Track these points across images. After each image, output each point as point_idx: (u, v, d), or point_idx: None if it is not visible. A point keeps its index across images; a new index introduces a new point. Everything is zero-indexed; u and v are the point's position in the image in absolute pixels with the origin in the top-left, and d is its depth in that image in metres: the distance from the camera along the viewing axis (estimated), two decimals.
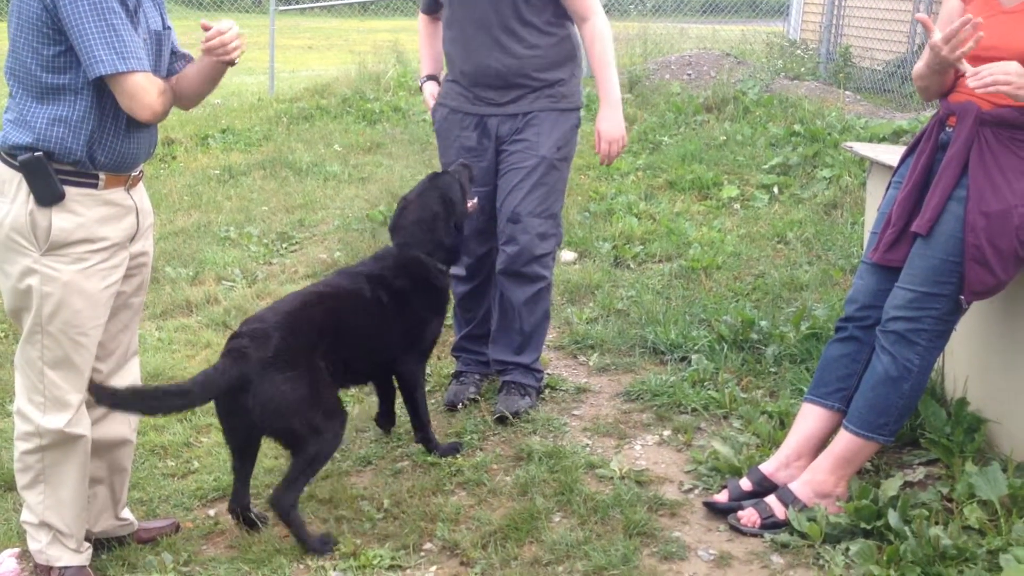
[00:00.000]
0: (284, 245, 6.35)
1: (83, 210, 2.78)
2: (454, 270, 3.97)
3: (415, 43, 4.03)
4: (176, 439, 3.88)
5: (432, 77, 4.21)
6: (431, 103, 4.14)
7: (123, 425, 3.11)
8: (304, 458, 3.12)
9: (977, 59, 2.92)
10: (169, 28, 2.93)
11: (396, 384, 3.74)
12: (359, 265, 3.64)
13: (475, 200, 3.83)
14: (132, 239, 2.93)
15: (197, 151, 9.30)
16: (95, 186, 2.80)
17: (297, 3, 20.56)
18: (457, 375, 4.21)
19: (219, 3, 27.32)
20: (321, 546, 3.11)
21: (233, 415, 3.12)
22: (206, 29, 2.80)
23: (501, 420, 3.90)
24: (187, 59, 3.00)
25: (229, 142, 9.54)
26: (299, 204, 7.21)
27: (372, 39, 14.68)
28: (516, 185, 3.93)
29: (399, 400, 3.79)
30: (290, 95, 11.65)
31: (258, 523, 3.26)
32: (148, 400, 2.97)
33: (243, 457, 3.24)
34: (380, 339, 3.50)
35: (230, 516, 3.28)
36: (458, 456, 3.64)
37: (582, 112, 4.11)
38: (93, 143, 2.76)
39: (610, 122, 3.92)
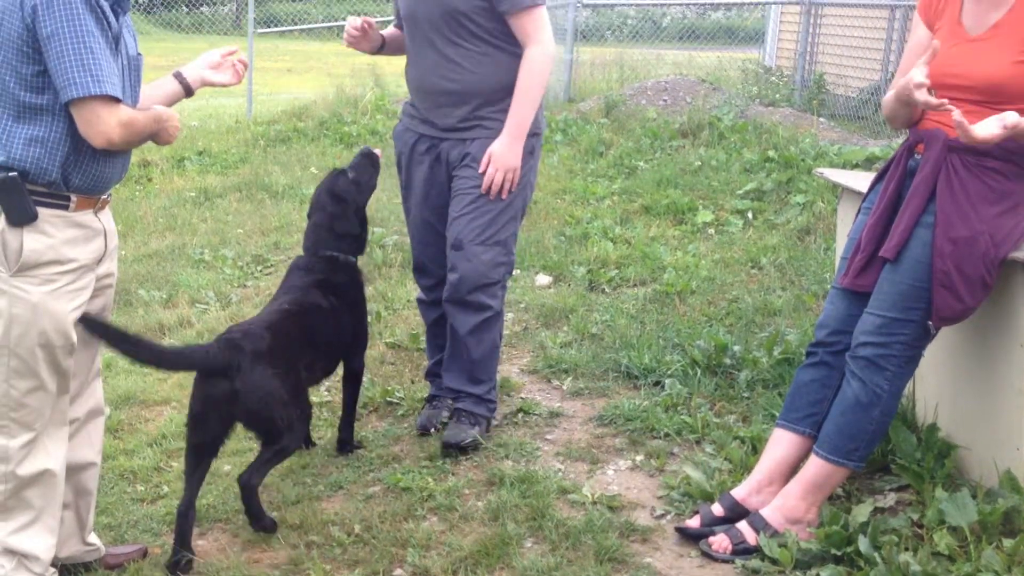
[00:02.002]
0: (259, 268, 6.33)
1: (53, 231, 2.76)
2: (419, 295, 4.17)
3: (393, 66, 4.05)
4: (146, 463, 3.84)
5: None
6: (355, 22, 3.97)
7: (88, 448, 3.08)
8: (275, 448, 3.31)
9: (942, 86, 2.96)
10: (140, 55, 2.94)
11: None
12: (295, 279, 3.74)
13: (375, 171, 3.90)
14: (99, 261, 2.92)
15: (173, 173, 9.28)
16: (66, 208, 2.78)
17: (276, 26, 20.57)
18: (430, 399, 4.20)
19: (198, 25, 27.35)
20: (271, 525, 3.33)
21: (210, 400, 3.20)
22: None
23: (446, 451, 3.84)
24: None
25: (206, 164, 9.53)
26: (275, 227, 7.19)
27: (350, 62, 14.68)
28: (460, 212, 3.86)
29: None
30: (268, 117, 11.64)
31: (189, 545, 3.20)
32: (130, 344, 3.12)
33: (200, 457, 3.24)
34: (340, 340, 3.75)
35: (178, 522, 3.20)
36: (429, 480, 3.63)
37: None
38: (68, 165, 2.75)
39: (502, 147, 3.77)
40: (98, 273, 2.92)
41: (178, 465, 3.82)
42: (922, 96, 2.89)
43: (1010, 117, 2.82)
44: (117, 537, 3.34)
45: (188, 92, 3.15)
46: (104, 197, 2.91)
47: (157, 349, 3.29)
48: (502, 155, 3.77)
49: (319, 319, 3.61)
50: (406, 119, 4.06)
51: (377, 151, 3.97)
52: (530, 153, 3.88)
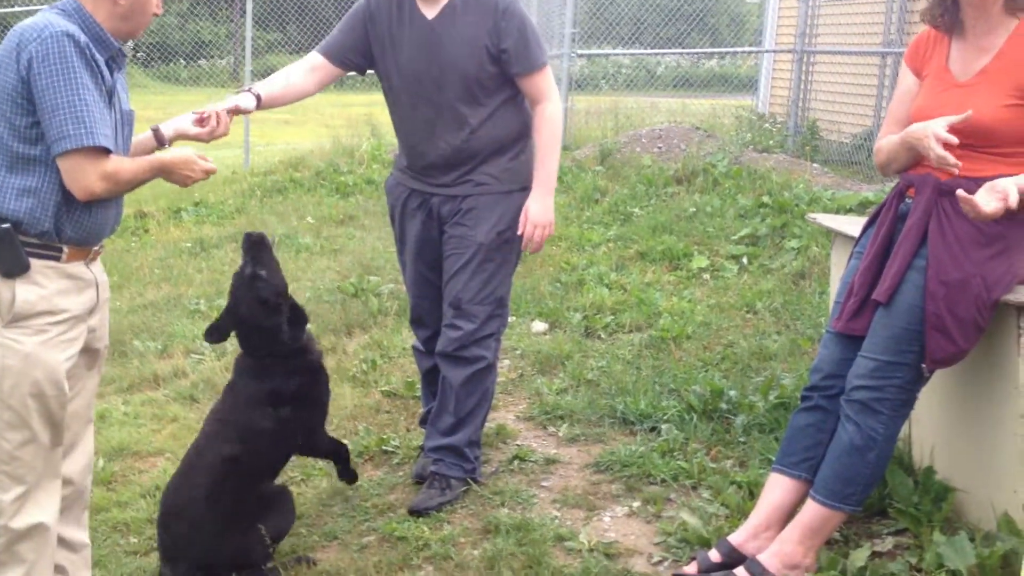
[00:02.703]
0: None
1: (46, 282, 2.76)
2: (414, 344, 4.09)
3: (389, 117, 4.03)
4: (139, 515, 3.82)
5: (256, 94, 3.80)
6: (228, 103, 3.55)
7: (79, 530, 3.09)
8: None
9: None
10: (132, 111, 2.97)
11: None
12: (244, 385, 3.47)
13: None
14: (91, 312, 2.92)
15: (169, 224, 9.32)
16: (58, 259, 2.79)
17: None
18: (425, 448, 4.17)
19: (196, 79, 27.60)
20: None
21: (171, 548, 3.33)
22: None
23: (410, 513, 3.76)
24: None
25: (202, 215, 9.57)
26: None
27: (347, 113, 14.82)
28: (456, 272, 3.86)
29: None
30: (264, 168, 11.72)
31: None
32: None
33: None
34: (294, 440, 3.53)
35: None
36: (425, 529, 3.60)
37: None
38: (61, 216, 2.76)
39: (539, 204, 3.80)
40: (90, 324, 2.92)
41: None
42: (939, 151, 2.91)
43: (1011, 191, 2.83)
44: None
45: (160, 143, 3.15)
46: (96, 249, 2.92)
47: None
48: (538, 213, 3.81)
49: (260, 447, 3.39)
50: (397, 173, 4.07)
51: (258, 233, 3.51)
52: (520, 209, 3.84)
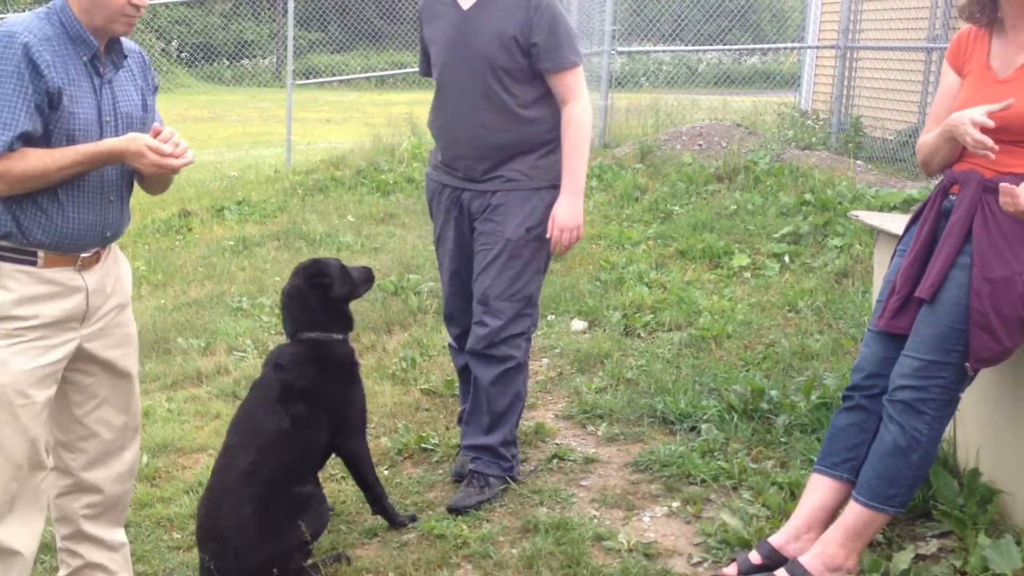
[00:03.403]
0: None
1: (16, 286, 2.73)
2: (449, 341, 4.10)
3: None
4: (182, 511, 3.86)
5: None
6: None
7: (115, 531, 3.13)
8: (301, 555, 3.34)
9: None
10: (144, 114, 2.95)
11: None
12: (266, 384, 3.50)
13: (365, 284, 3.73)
14: (84, 320, 2.86)
15: (213, 223, 9.41)
16: (33, 263, 2.76)
17: (315, 77, 20.89)
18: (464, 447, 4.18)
19: (239, 78, 27.87)
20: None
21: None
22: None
23: (449, 511, 3.77)
24: None
25: (244, 214, 9.65)
26: None
27: (388, 112, 14.88)
28: (484, 268, 3.87)
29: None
30: (306, 167, 11.80)
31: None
32: None
33: None
34: (318, 444, 3.49)
35: None
36: (464, 527, 3.61)
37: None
38: (19, 216, 2.72)
39: (566, 208, 3.79)
40: (84, 332, 2.87)
41: None
42: (976, 135, 2.88)
43: None
44: None
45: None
46: (87, 256, 2.87)
47: None
48: (564, 216, 3.79)
49: (281, 445, 3.36)
50: (430, 168, 4.11)
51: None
52: (551, 205, 3.84)
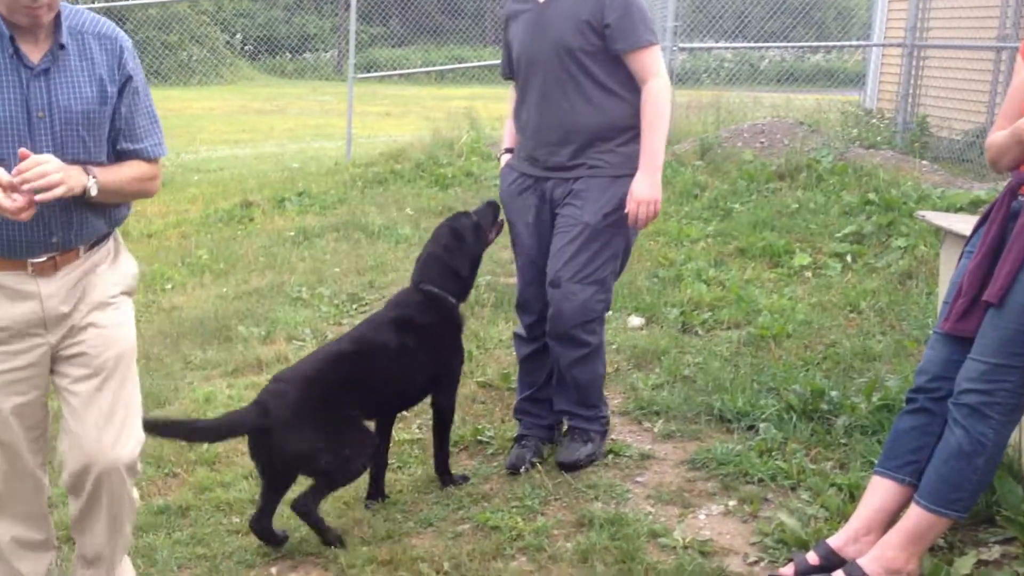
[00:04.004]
0: (354, 306, 6.43)
1: None
2: (516, 330, 4.22)
3: (489, 110, 4.15)
4: (242, 496, 3.91)
5: (510, 150, 4.25)
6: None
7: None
8: (326, 481, 3.49)
9: None
10: (105, 105, 2.75)
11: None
12: (384, 311, 3.87)
13: (498, 226, 4.03)
14: (48, 327, 2.79)
15: (274, 213, 9.53)
16: None
17: (376, 71, 21.03)
18: (519, 439, 4.21)
19: (301, 72, 28.16)
20: (337, 539, 3.50)
21: (258, 456, 3.48)
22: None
23: (561, 469, 3.99)
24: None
25: (305, 205, 9.75)
26: (370, 266, 7.30)
27: (447, 106, 14.93)
28: (559, 250, 3.94)
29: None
30: (366, 160, 11.89)
31: (277, 541, 3.51)
32: (180, 429, 3.56)
33: (272, 488, 3.52)
34: (411, 380, 3.78)
35: (251, 529, 3.51)
36: (519, 520, 3.62)
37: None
38: None
39: (642, 184, 3.84)
40: (53, 340, 2.81)
41: None
42: None
43: None
44: (212, 568, 3.40)
45: None
46: (40, 261, 2.75)
47: (192, 426, 3.63)
48: (641, 191, 3.84)
49: (381, 359, 3.66)
50: (512, 160, 4.17)
51: (495, 201, 4.11)
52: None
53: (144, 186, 2.92)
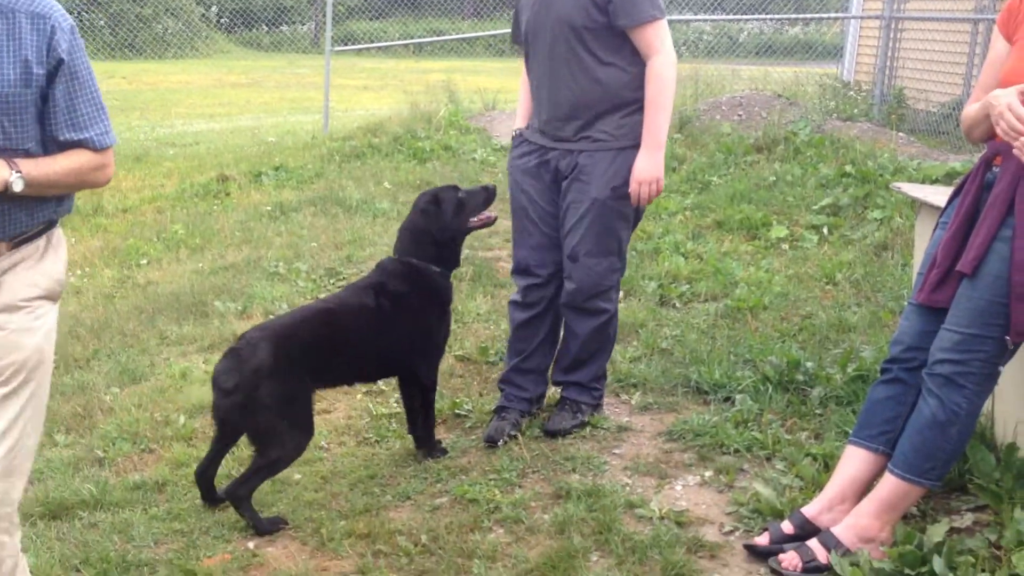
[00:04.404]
0: (332, 280, 6.40)
1: None
2: (513, 297, 4.27)
3: (468, 83, 4.16)
4: (220, 471, 3.89)
5: (522, 130, 4.26)
6: None
7: None
8: (264, 460, 3.46)
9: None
10: (29, 88, 2.55)
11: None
12: (364, 277, 3.92)
13: (486, 216, 3.96)
14: None
15: (250, 188, 9.46)
16: None
17: (354, 44, 20.87)
18: (499, 410, 4.22)
19: (278, 45, 27.94)
20: (270, 525, 3.44)
21: (219, 407, 3.50)
22: None
23: (547, 435, 4.08)
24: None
25: (282, 179, 9.69)
26: (348, 240, 7.27)
27: (426, 79, 14.84)
28: (573, 226, 4.01)
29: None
30: (343, 133, 11.82)
31: (214, 499, 3.60)
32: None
33: (222, 439, 3.61)
34: (386, 344, 3.76)
35: (195, 477, 3.61)
36: (496, 492, 3.63)
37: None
38: None
39: (644, 162, 3.89)
40: None
41: None
42: (1012, 120, 2.81)
43: None
44: (189, 543, 3.39)
45: None
46: None
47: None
48: (642, 169, 3.88)
49: (359, 322, 3.70)
50: (523, 130, 4.21)
51: (493, 186, 4.07)
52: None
53: (88, 177, 2.71)
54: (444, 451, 3.98)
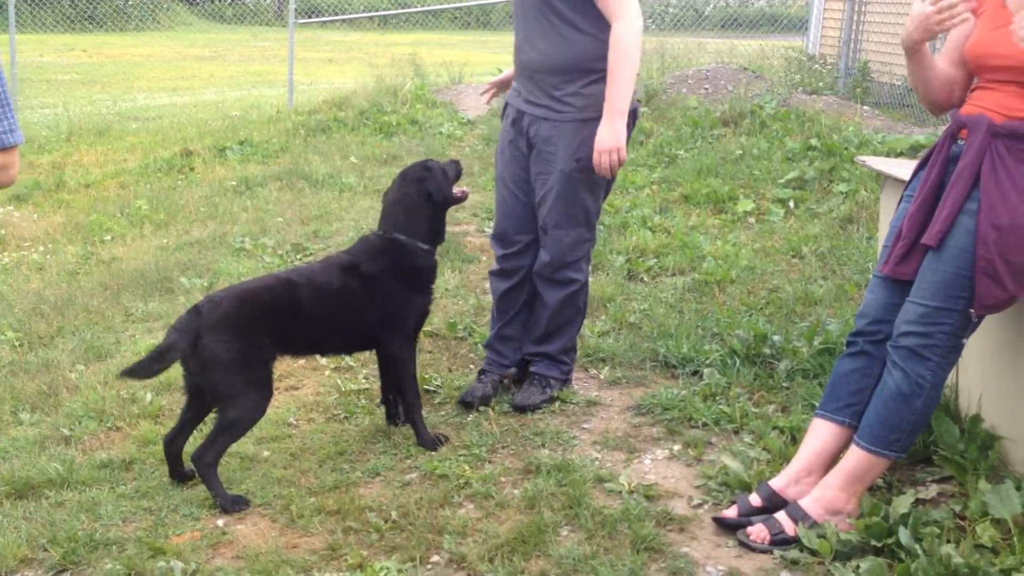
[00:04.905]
0: (298, 256, 6.37)
1: None
2: (492, 268, 4.30)
3: (434, 56, 4.14)
4: (187, 448, 3.87)
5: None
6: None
7: None
8: (224, 420, 3.46)
9: (987, 68, 2.92)
10: None
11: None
12: (341, 253, 3.89)
13: (460, 191, 3.96)
14: None
15: (215, 162, 9.37)
16: None
17: (317, 16, 20.66)
18: (480, 373, 4.31)
19: (240, 17, 27.59)
20: (232, 505, 3.41)
21: (186, 361, 3.48)
22: None
23: (515, 410, 4.09)
24: None
25: (247, 154, 9.61)
26: (314, 215, 7.23)
27: (391, 52, 14.72)
28: (542, 198, 4.03)
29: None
30: (308, 107, 11.72)
31: (181, 474, 3.60)
32: (143, 369, 3.44)
33: (192, 406, 3.60)
34: (349, 322, 3.75)
35: (164, 447, 3.62)
36: (466, 468, 3.63)
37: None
38: None
39: (604, 131, 3.83)
40: None
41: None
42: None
43: None
44: (157, 521, 3.37)
45: None
46: None
47: (156, 354, 3.46)
48: (603, 139, 3.84)
49: (315, 296, 3.65)
50: (510, 93, 4.23)
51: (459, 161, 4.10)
52: None
53: None
54: (442, 439, 3.85)
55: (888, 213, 3.96)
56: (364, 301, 3.73)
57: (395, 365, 3.86)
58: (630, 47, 3.79)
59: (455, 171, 3.98)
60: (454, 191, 3.93)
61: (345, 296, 3.70)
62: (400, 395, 3.91)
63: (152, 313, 5.39)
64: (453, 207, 4.13)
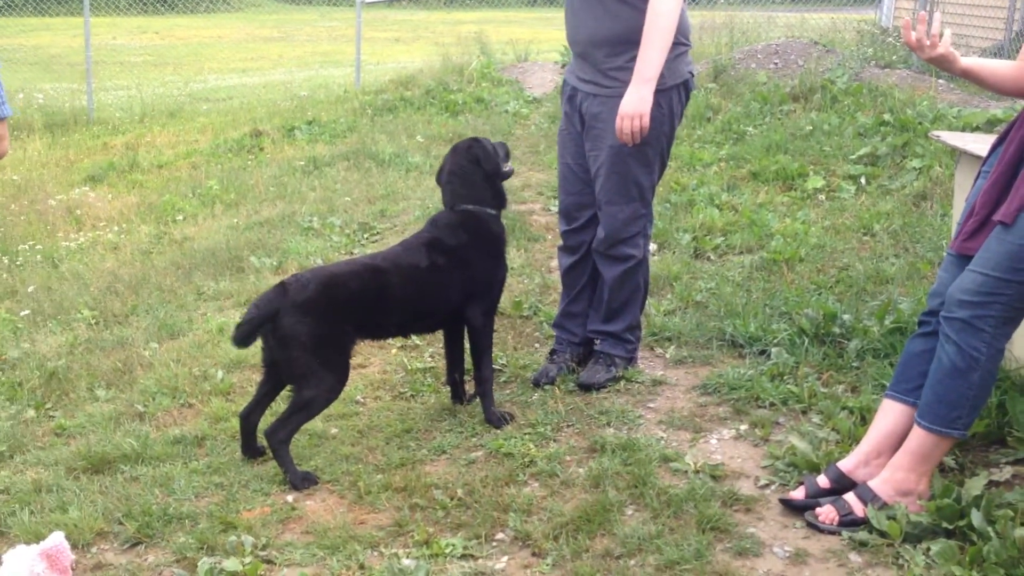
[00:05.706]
0: (365, 235, 6.42)
1: None
2: (559, 244, 4.32)
3: (500, 34, 4.14)
4: (258, 425, 3.94)
5: None
6: None
7: None
8: (299, 399, 3.51)
9: None
10: None
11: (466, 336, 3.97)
12: (419, 233, 3.90)
13: (509, 167, 4.02)
14: None
15: (284, 143, 9.48)
16: None
17: None
18: (551, 353, 4.34)
19: None
20: (301, 482, 3.47)
21: (266, 336, 3.53)
22: None
23: (580, 388, 4.10)
24: None
25: (315, 134, 9.70)
26: (381, 195, 7.28)
27: (457, 31, 14.73)
28: (595, 174, 4.05)
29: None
30: (375, 87, 11.79)
31: (254, 448, 3.69)
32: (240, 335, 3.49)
33: (268, 380, 3.67)
34: (438, 300, 3.79)
35: (240, 420, 3.69)
36: (531, 446, 3.64)
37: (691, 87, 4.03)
38: None
39: (630, 96, 3.78)
40: None
41: None
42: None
43: None
44: (229, 496, 3.44)
45: None
46: None
47: (246, 321, 3.51)
48: (627, 103, 3.81)
49: (404, 279, 3.69)
50: (568, 67, 4.25)
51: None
52: (657, 106, 3.83)
53: None
54: (507, 418, 3.88)
55: (963, 189, 3.87)
56: (452, 276, 3.78)
57: (479, 337, 3.88)
58: (666, 13, 3.74)
59: (503, 150, 4.04)
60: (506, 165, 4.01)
61: (434, 274, 3.75)
62: (475, 367, 3.93)
63: (223, 292, 5.48)
64: (520, 187, 4.15)
